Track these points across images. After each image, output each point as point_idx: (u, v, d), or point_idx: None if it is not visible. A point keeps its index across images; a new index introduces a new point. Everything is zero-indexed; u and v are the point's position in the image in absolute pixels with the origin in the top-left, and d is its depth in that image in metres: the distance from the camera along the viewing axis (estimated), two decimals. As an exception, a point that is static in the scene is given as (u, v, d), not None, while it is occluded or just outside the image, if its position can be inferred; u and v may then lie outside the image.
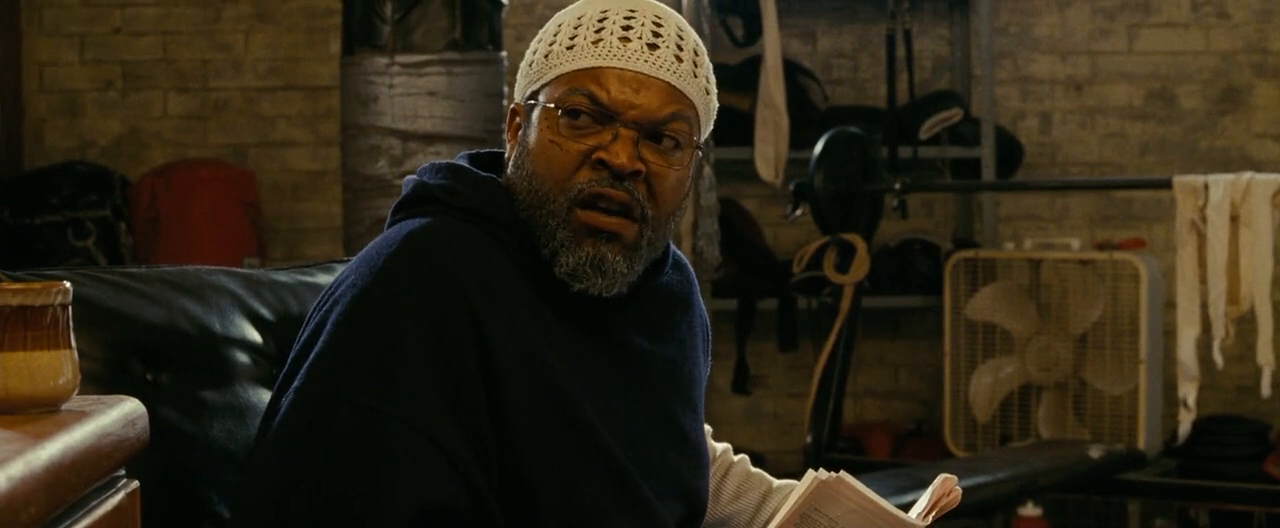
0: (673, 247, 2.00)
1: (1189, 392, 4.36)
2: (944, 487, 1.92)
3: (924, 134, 5.54)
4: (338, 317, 1.81)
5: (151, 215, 5.34)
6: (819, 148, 4.73)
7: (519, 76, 1.92)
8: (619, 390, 1.88)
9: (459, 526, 1.75)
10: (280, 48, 5.69)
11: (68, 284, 1.54)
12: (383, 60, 4.13)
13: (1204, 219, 4.28)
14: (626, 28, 1.83)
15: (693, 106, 1.87)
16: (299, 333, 1.90)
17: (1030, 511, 4.73)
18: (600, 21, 1.84)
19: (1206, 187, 4.29)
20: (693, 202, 5.43)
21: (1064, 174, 5.86)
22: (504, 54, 4.87)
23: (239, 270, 2.24)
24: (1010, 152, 5.71)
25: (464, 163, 1.94)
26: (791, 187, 4.76)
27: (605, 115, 1.82)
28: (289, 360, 1.88)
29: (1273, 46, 5.88)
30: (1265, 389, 4.29)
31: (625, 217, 1.82)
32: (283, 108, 5.71)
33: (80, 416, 1.54)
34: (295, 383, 1.81)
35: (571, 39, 1.84)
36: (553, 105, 1.83)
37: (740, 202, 5.71)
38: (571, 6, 1.90)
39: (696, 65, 1.87)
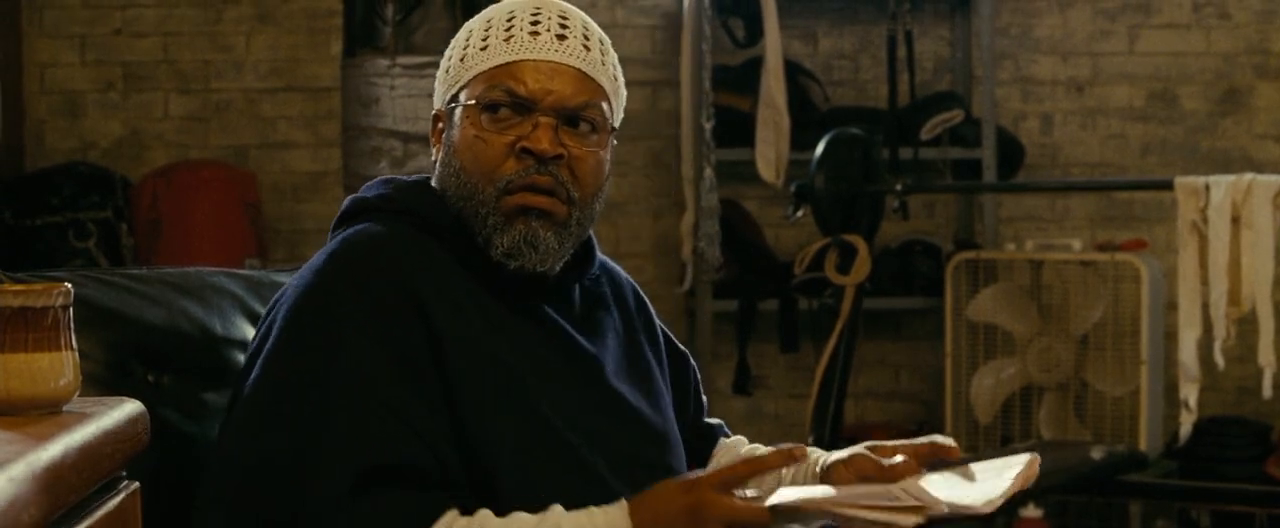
0: (601, 257, 2.09)
1: (1190, 393, 4.36)
2: (1030, 470, 1.85)
3: (925, 135, 5.54)
4: (283, 316, 1.88)
5: (153, 216, 5.34)
6: (820, 149, 4.73)
7: (437, 85, 2.01)
8: (559, 372, 1.93)
9: (412, 483, 1.78)
10: (281, 49, 5.69)
11: (69, 285, 1.54)
12: (384, 62, 4.14)
13: (1205, 220, 4.28)
14: (535, 23, 1.93)
15: (603, 92, 1.96)
16: (252, 340, 1.95)
17: (1031, 512, 4.73)
18: (509, 21, 1.94)
19: (1208, 188, 4.29)
20: (694, 203, 5.43)
21: (1065, 175, 5.86)
22: (505, 55, 4.86)
23: (240, 272, 2.25)
24: (1011, 152, 5.71)
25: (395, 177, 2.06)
26: (792, 188, 4.76)
27: (524, 106, 1.91)
28: (243, 365, 1.92)
29: (1274, 48, 5.88)
30: (1266, 390, 4.29)
31: (553, 196, 1.91)
32: (284, 109, 5.70)
33: (81, 417, 1.54)
34: (247, 379, 1.87)
35: (484, 40, 1.94)
36: (473, 102, 1.92)
37: (741, 202, 5.71)
38: (479, 14, 1.99)
39: (603, 54, 1.97)
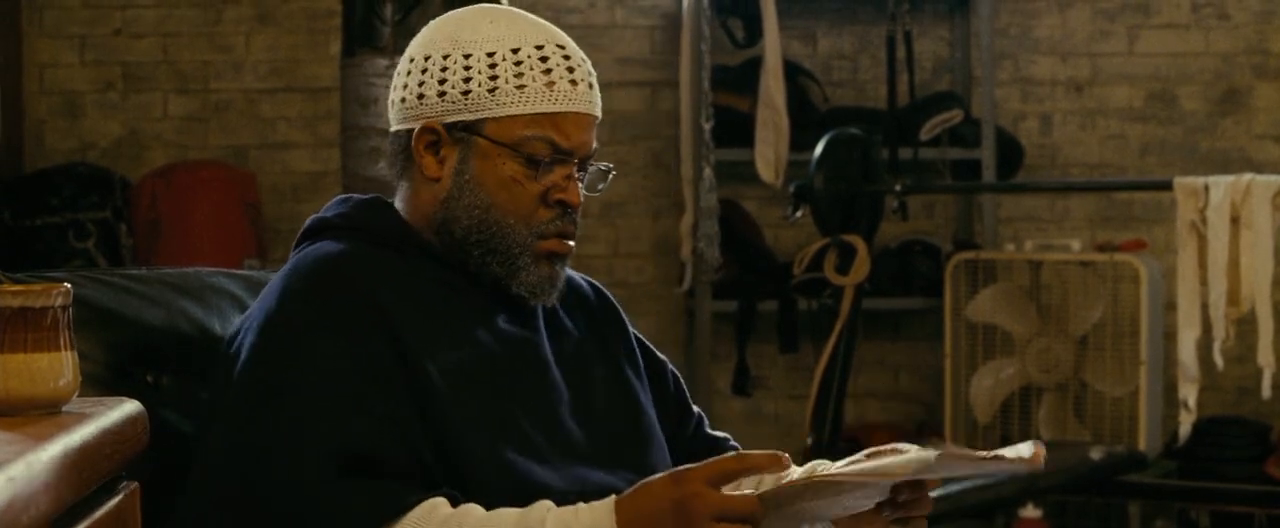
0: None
1: (1189, 393, 4.36)
2: (1033, 457, 1.83)
3: (924, 135, 5.54)
4: (252, 334, 1.90)
5: (152, 217, 5.34)
6: (819, 149, 4.73)
7: (430, 95, 1.96)
8: (526, 370, 1.98)
9: (392, 473, 1.80)
10: (280, 49, 5.69)
11: (68, 286, 1.54)
12: (383, 62, 4.14)
13: (1204, 220, 4.28)
14: (570, 69, 1.95)
15: None
16: (224, 362, 1.95)
17: (1031, 512, 4.73)
18: (543, 61, 1.94)
19: (1207, 188, 4.29)
20: (693, 203, 5.43)
21: (1064, 175, 5.86)
22: (504, 55, 4.85)
23: (239, 272, 2.25)
24: (1011, 153, 5.71)
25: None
26: (792, 188, 4.76)
27: (562, 158, 1.95)
28: (216, 390, 1.93)
29: (1273, 48, 5.88)
30: (1266, 390, 4.29)
31: (572, 239, 2.00)
32: (283, 109, 5.71)
33: (81, 417, 1.54)
34: (225, 399, 1.88)
35: (518, 76, 1.93)
36: (512, 147, 1.93)
37: (740, 203, 5.71)
38: (480, 33, 1.96)
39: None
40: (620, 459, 1.98)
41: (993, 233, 5.66)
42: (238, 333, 1.95)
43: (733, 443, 2.21)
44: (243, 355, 1.89)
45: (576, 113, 1.95)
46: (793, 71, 5.58)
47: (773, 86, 5.34)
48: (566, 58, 1.95)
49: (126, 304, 2.03)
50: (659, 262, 5.78)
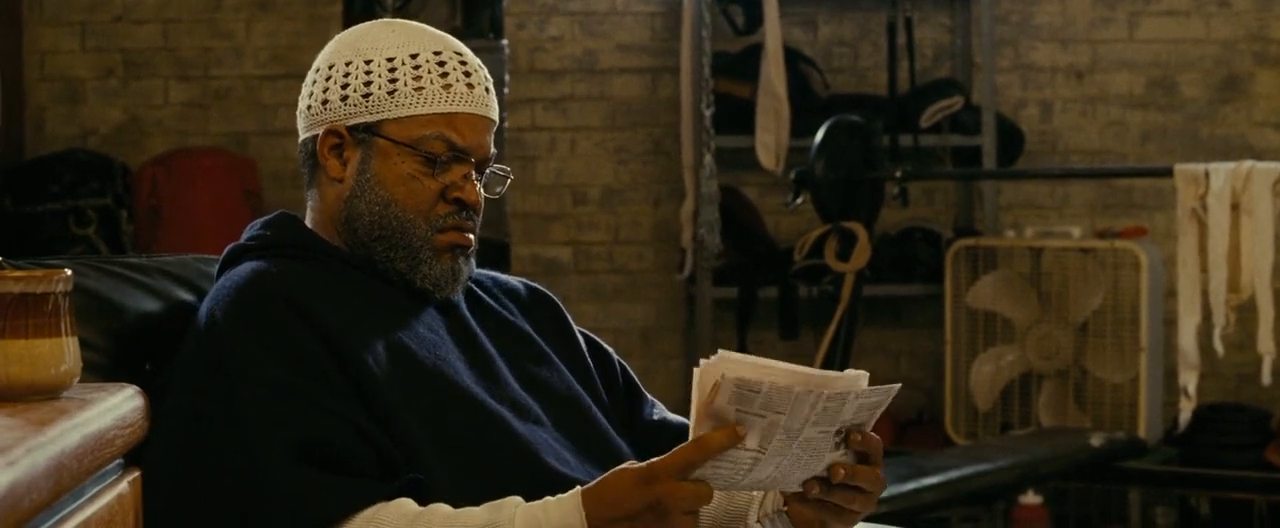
0: (490, 272, 2.21)
1: (1190, 380, 4.36)
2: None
3: (925, 122, 5.54)
4: (184, 369, 1.92)
5: (153, 203, 5.34)
6: (820, 136, 4.73)
7: (333, 100, 2.06)
8: (457, 355, 2.02)
9: (352, 465, 1.83)
10: (281, 35, 5.69)
11: (69, 272, 1.54)
12: (384, 48, 4.14)
13: (1205, 207, 4.28)
14: (467, 73, 2.04)
15: None
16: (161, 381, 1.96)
17: (1031, 499, 4.73)
18: (441, 65, 2.03)
19: (1207, 175, 4.29)
20: (694, 190, 5.43)
21: (1065, 162, 5.86)
22: (505, 42, 4.85)
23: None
24: (1011, 140, 5.71)
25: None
26: (793, 175, 4.76)
27: (458, 157, 2.03)
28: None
29: (1273, 35, 5.87)
30: (1266, 377, 4.29)
31: (472, 234, 2.07)
32: (284, 96, 5.70)
33: (81, 403, 1.54)
34: (162, 422, 1.87)
35: (417, 78, 2.02)
36: (410, 145, 2.01)
37: (741, 190, 5.71)
38: (381, 41, 2.06)
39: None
40: (568, 423, 2.03)
41: (993, 220, 5.65)
42: (176, 359, 1.96)
43: None
44: (176, 384, 1.90)
45: (472, 114, 2.03)
46: (793, 58, 5.58)
47: (773, 73, 5.34)
48: (463, 63, 2.04)
49: (125, 293, 2.03)
50: (659, 248, 5.78)
